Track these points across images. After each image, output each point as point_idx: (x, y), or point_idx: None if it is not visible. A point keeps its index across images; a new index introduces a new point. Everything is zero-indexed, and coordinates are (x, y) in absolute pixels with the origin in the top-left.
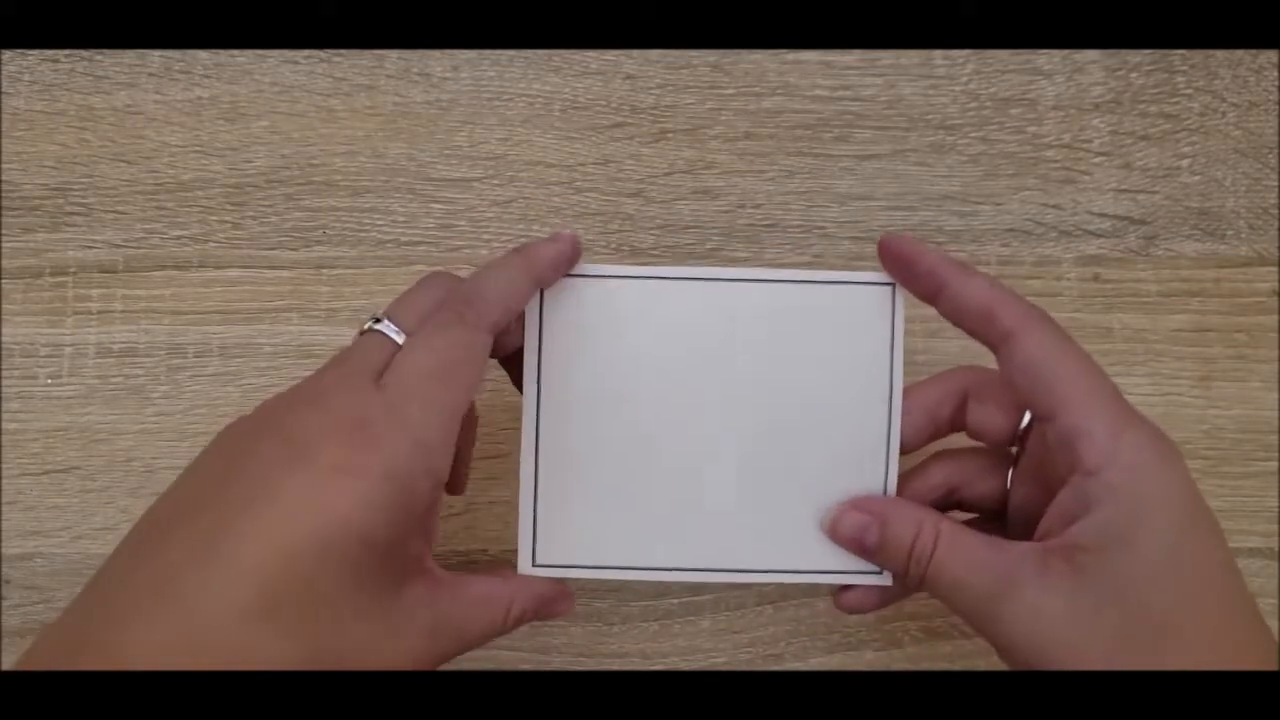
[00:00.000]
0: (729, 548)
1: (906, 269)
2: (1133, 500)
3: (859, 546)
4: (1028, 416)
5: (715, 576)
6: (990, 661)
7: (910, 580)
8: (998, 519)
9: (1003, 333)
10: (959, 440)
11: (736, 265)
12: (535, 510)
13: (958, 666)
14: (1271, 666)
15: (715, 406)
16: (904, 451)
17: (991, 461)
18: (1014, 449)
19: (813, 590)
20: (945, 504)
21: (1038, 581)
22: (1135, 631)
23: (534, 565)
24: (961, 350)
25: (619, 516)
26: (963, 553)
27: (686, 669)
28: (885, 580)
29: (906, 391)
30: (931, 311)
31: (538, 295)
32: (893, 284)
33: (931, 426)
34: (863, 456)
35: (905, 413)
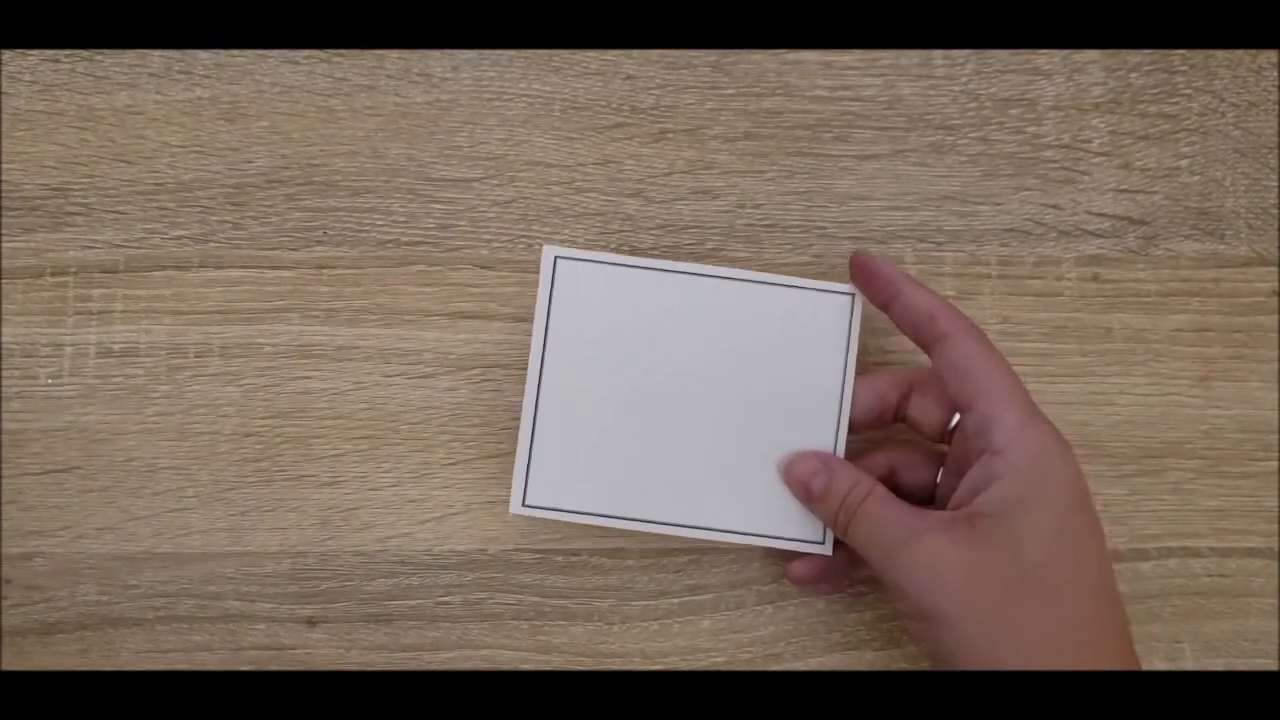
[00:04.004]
0: (695, 507)
1: (869, 277)
2: (1032, 477)
3: (805, 490)
4: (956, 416)
5: (681, 531)
6: None
7: (836, 528)
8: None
9: (940, 333)
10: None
11: (734, 265)
12: (530, 456)
13: None
14: (1126, 641)
15: (695, 383)
16: (852, 429)
17: (927, 455)
18: (944, 447)
19: (812, 590)
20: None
21: (941, 536)
22: (1020, 589)
23: (523, 505)
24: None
25: (603, 470)
26: (884, 507)
27: (686, 669)
28: (826, 550)
29: (860, 378)
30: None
31: (550, 267)
32: (853, 294)
33: (878, 408)
34: (817, 434)
35: (856, 394)
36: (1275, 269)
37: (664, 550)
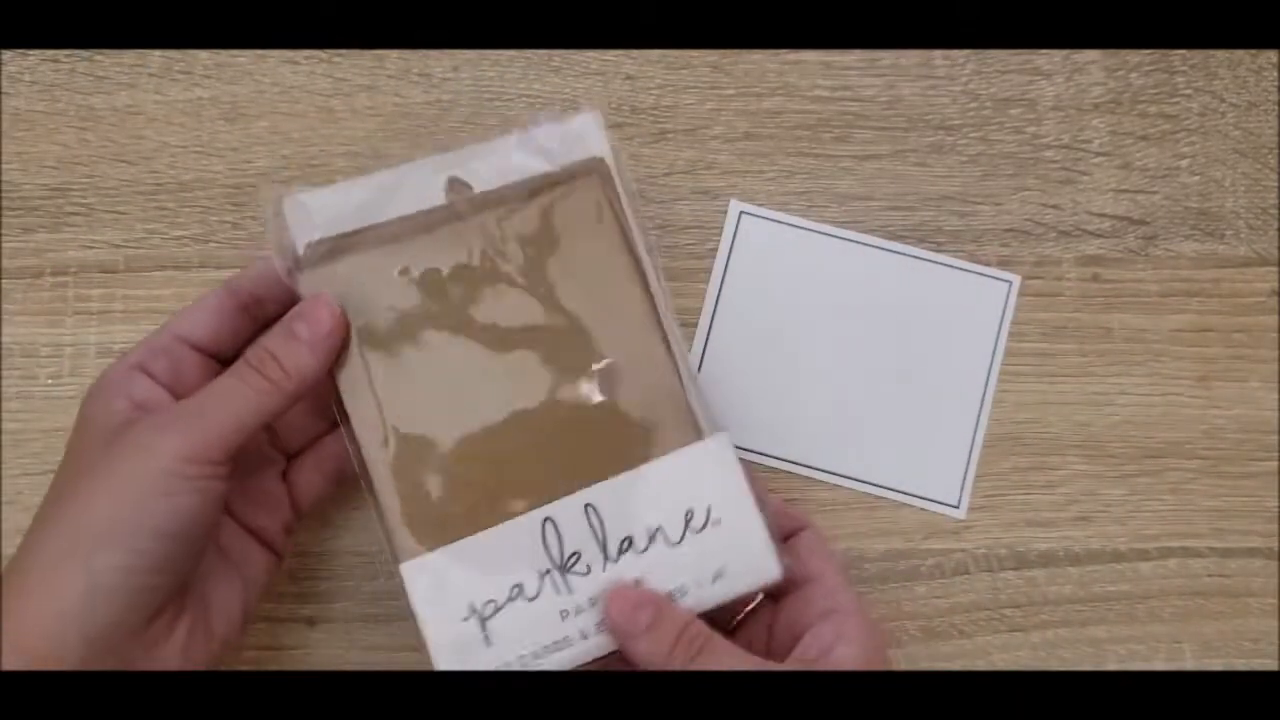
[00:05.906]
0: (836, 455)
1: None
2: (875, 639)
3: (631, 622)
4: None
5: (821, 476)
6: (989, 661)
7: (674, 658)
8: None
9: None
10: None
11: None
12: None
13: (957, 666)
14: None
15: (852, 345)
16: None
17: None
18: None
19: None
20: None
21: None
22: None
23: None
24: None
25: (756, 413)
26: (731, 646)
27: None
28: (960, 514)
29: None
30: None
31: (735, 220)
32: (1011, 281)
33: None
34: (959, 407)
35: None
36: (1275, 269)
37: None
